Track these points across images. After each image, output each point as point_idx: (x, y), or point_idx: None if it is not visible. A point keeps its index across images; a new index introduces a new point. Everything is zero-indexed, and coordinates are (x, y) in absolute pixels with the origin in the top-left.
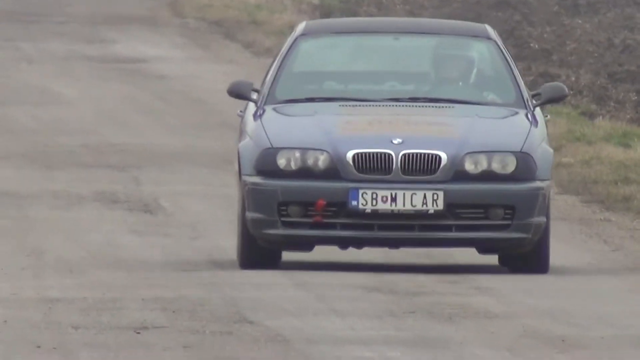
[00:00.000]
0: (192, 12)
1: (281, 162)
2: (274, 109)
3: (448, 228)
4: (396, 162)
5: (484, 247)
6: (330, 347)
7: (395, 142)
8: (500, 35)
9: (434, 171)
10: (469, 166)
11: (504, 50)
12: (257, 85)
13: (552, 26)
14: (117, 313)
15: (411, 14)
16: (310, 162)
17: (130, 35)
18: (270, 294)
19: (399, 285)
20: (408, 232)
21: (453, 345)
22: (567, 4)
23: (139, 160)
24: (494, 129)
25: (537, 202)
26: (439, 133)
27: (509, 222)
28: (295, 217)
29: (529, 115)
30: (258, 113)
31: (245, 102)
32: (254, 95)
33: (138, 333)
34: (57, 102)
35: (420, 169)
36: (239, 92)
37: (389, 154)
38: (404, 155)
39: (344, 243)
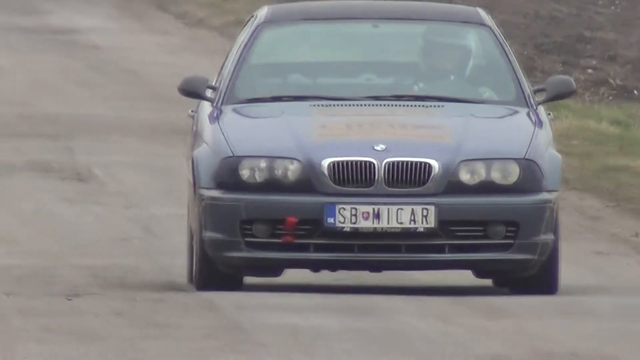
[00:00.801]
0: None
1: (244, 173)
2: (234, 110)
3: (441, 249)
4: (379, 172)
5: (482, 269)
6: (259, 314)
7: (378, 148)
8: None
9: (424, 182)
10: (464, 176)
11: (500, 39)
12: (212, 81)
13: None
14: (50, 280)
15: None
16: (278, 172)
17: (65, 6)
18: None
19: None
20: (394, 254)
21: (381, 312)
22: None
23: (73, 130)
24: (492, 132)
25: (544, 218)
26: (429, 137)
27: (511, 241)
28: (261, 237)
29: (532, 115)
30: (215, 114)
31: (198, 100)
32: (210, 94)
33: (70, 300)
34: None
35: (407, 179)
36: (192, 90)
37: (371, 163)
38: (389, 163)
39: (318, 266)
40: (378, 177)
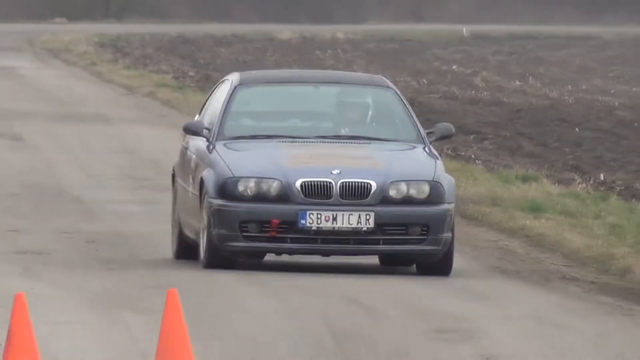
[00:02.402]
0: (38, 45)
1: (241, 188)
2: (225, 145)
3: (376, 242)
4: (336, 189)
5: (404, 257)
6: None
7: (334, 172)
8: (187, 58)
9: (366, 196)
10: (392, 192)
11: (401, 97)
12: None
13: (210, 52)
14: None
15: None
16: (264, 188)
17: (6, 56)
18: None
19: None
20: (344, 245)
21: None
22: (220, 40)
23: (12, 117)
24: (409, 161)
25: (446, 221)
26: (369, 165)
27: (424, 237)
28: (253, 233)
29: (428, 150)
30: (211, 147)
31: (187, 136)
32: (204, 132)
33: None
34: None
35: (355, 194)
36: (193, 130)
37: (330, 182)
38: (342, 183)
39: (293, 253)
40: (335, 192)
